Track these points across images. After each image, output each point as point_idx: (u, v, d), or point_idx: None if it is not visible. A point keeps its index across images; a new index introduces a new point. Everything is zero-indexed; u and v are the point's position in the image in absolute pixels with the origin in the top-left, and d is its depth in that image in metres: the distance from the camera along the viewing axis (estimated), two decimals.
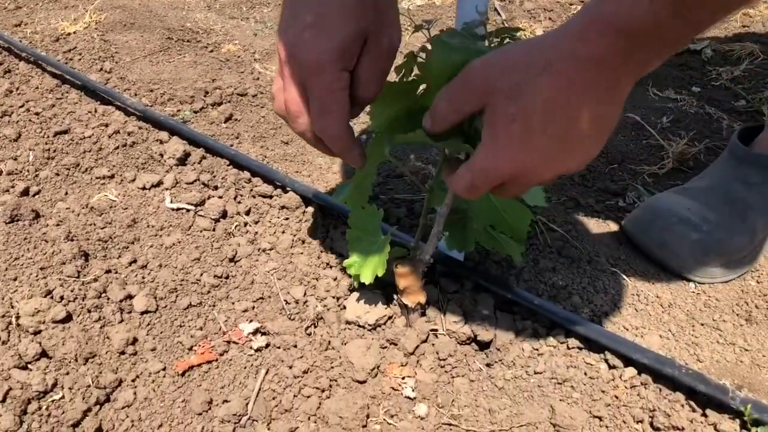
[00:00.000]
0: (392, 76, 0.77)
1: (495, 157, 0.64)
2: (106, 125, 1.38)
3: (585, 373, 0.85)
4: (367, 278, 0.85)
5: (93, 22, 1.93)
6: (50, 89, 1.55)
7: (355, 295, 0.95)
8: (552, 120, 0.60)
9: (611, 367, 0.86)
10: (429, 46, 0.82)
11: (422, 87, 0.83)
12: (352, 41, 0.71)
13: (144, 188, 1.19)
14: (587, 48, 0.57)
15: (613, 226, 1.16)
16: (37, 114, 1.43)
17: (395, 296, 0.93)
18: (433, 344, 0.90)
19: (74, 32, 1.87)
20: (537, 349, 0.89)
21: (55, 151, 1.32)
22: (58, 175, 1.26)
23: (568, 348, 0.88)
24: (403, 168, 0.93)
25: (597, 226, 1.16)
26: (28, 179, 1.24)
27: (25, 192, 1.20)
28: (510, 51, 0.63)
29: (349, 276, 0.92)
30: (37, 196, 1.21)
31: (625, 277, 1.03)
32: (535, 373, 0.86)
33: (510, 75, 0.61)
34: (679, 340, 0.93)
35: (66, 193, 1.22)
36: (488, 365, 0.88)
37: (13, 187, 1.19)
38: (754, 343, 0.95)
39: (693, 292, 1.04)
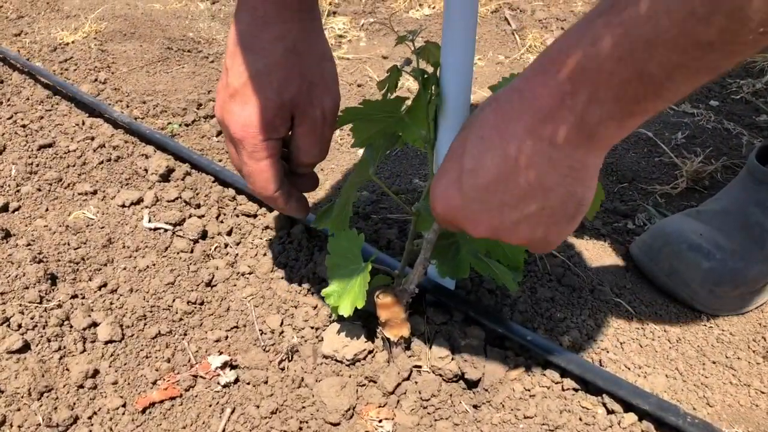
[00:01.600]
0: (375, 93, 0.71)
1: (432, 190, 0.61)
2: (92, 138, 1.33)
3: (580, 419, 0.77)
4: (345, 311, 0.78)
5: (93, 32, 1.89)
6: (41, 100, 1.50)
7: (335, 326, 0.88)
8: (483, 159, 0.53)
9: (609, 412, 0.78)
10: (413, 58, 0.75)
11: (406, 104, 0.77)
12: (275, 114, 0.72)
13: (123, 206, 1.13)
14: (525, 81, 0.51)
15: (620, 252, 1.08)
16: (23, 126, 1.39)
17: (378, 328, 0.85)
18: (416, 382, 0.83)
19: (72, 42, 1.83)
20: (529, 390, 0.81)
21: (38, 165, 1.27)
22: (39, 190, 1.21)
23: (563, 389, 0.81)
24: (387, 189, 0.86)
25: (602, 251, 1.08)
26: (9, 194, 1.19)
27: (5, 208, 1.15)
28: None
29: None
30: (16, 213, 1.15)
31: (629, 308, 0.95)
32: (525, 417, 0.78)
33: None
34: (687, 381, 0.85)
35: (46, 210, 1.17)
36: (475, 407, 0.81)
37: None
38: None
39: (704, 325, 0.95)
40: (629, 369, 0.84)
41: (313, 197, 1.22)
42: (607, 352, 0.86)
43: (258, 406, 0.80)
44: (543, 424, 0.77)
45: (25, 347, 0.85)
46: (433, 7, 2.16)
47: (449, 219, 0.60)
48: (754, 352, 0.91)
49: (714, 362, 0.89)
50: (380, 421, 0.78)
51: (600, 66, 0.45)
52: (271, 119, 0.73)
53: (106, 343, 0.88)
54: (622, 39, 0.43)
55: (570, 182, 0.52)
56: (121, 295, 0.96)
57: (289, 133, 0.80)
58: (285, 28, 0.72)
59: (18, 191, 1.20)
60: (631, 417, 0.76)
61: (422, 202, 0.79)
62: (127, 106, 1.50)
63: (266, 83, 0.71)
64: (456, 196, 0.57)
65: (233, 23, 0.74)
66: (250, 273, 1.01)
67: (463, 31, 0.68)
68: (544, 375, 0.82)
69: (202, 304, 0.96)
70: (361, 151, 1.36)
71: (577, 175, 0.52)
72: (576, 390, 0.80)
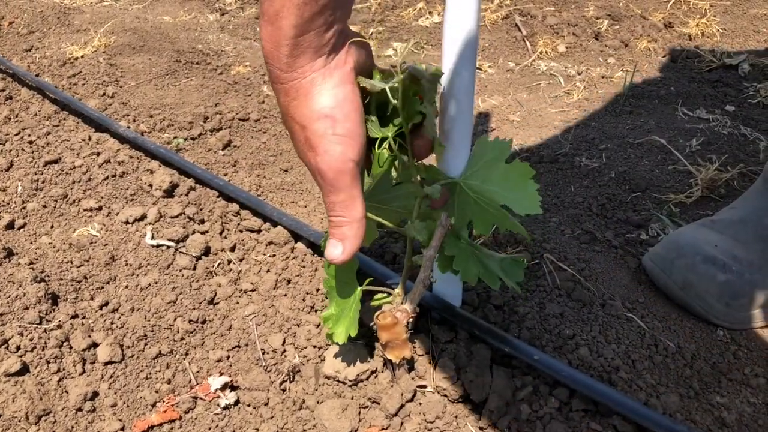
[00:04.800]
0: None
1: None
2: (98, 154, 1.33)
3: None
4: (340, 338, 0.76)
5: (102, 46, 1.90)
6: (48, 116, 1.50)
7: (337, 345, 0.85)
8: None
9: None
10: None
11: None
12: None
13: (127, 222, 1.12)
14: None
15: (632, 264, 1.05)
16: (30, 143, 1.39)
17: (380, 348, 0.83)
18: (420, 403, 0.80)
19: (82, 56, 1.83)
20: (536, 412, 0.78)
21: (44, 181, 1.26)
22: (45, 207, 1.20)
23: (572, 411, 0.78)
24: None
25: (614, 263, 1.05)
26: (15, 211, 1.19)
27: (10, 225, 1.14)
28: None
29: None
30: (21, 230, 1.15)
31: (642, 323, 0.92)
32: None
33: None
34: (702, 400, 0.82)
35: (52, 227, 1.16)
36: (481, 429, 0.78)
37: None
38: None
39: (721, 341, 0.92)
40: (641, 389, 0.81)
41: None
42: (618, 370, 0.83)
43: (257, 430, 0.78)
44: None
45: (24, 369, 0.83)
46: (443, 15, 2.14)
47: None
48: None
49: (730, 380, 0.85)
50: None
51: None
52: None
53: (106, 364, 0.87)
54: None
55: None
56: (122, 315, 0.94)
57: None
58: (277, 89, 0.66)
59: (24, 208, 1.20)
60: None
61: (416, 216, 0.77)
62: (134, 120, 1.50)
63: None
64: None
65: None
66: (252, 290, 0.99)
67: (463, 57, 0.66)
68: (552, 396, 0.79)
69: (203, 322, 0.94)
70: None
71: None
72: (585, 411, 0.78)
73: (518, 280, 0.78)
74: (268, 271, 1.02)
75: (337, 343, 0.78)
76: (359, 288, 0.78)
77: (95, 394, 0.83)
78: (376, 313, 0.79)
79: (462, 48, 0.70)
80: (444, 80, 0.72)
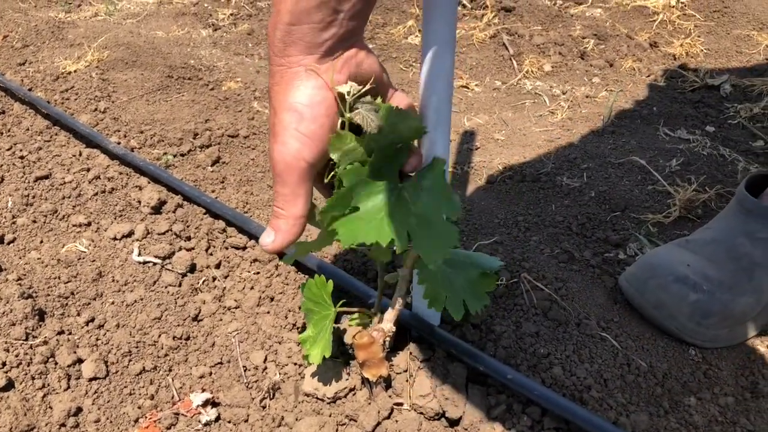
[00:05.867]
0: None
1: None
2: (88, 170, 1.35)
3: None
4: (315, 360, 0.78)
5: (95, 61, 1.92)
6: (40, 131, 1.53)
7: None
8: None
9: None
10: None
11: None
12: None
13: (115, 239, 1.14)
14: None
15: (609, 283, 1.07)
16: (21, 158, 1.41)
17: (357, 367, 0.85)
18: (396, 421, 0.82)
19: (75, 71, 1.85)
20: (509, 430, 0.80)
21: (34, 197, 1.28)
22: (34, 222, 1.22)
23: (543, 429, 0.80)
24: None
25: (591, 283, 1.07)
26: (4, 226, 1.21)
27: (0, 240, 1.16)
28: None
29: None
30: (11, 245, 1.17)
31: (615, 342, 0.94)
32: None
33: None
34: (671, 419, 0.84)
35: (41, 242, 1.18)
36: None
37: None
38: (759, 422, 0.85)
39: (693, 360, 0.94)
40: (611, 407, 0.83)
41: None
42: (590, 389, 0.85)
43: None
44: None
45: (9, 385, 0.85)
46: None
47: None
48: (742, 387, 0.90)
49: (700, 399, 0.88)
50: None
51: None
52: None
53: (91, 380, 0.88)
54: None
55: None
56: (107, 331, 0.96)
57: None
58: (270, 69, 0.69)
59: (14, 223, 1.22)
60: None
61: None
62: (125, 136, 1.52)
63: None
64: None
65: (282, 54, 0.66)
66: (236, 307, 1.01)
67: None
68: (525, 414, 0.82)
69: (187, 339, 0.96)
70: None
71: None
72: (557, 430, 0.80)
73: (484, 303, 0.81)
74: (252, 288, 1.04)
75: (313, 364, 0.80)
76: (333, 309, 0.80)
77: (79, 409, 0.85)
78: (353, 333, 0.81)
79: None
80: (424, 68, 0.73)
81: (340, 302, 0.80)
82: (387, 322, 0.81)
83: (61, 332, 0.95)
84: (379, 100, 0.71)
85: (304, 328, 0.97)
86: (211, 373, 0.91)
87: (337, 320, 0.89)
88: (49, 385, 0.87)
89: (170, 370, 0.92)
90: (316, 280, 0.80)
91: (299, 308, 1.00)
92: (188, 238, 1.15)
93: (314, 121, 0.65)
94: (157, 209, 1.21)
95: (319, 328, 0.79)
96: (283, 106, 0.65)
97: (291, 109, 0.65)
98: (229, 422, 0.83)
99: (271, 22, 0.64)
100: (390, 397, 0.84)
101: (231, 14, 2.43)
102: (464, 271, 0.84)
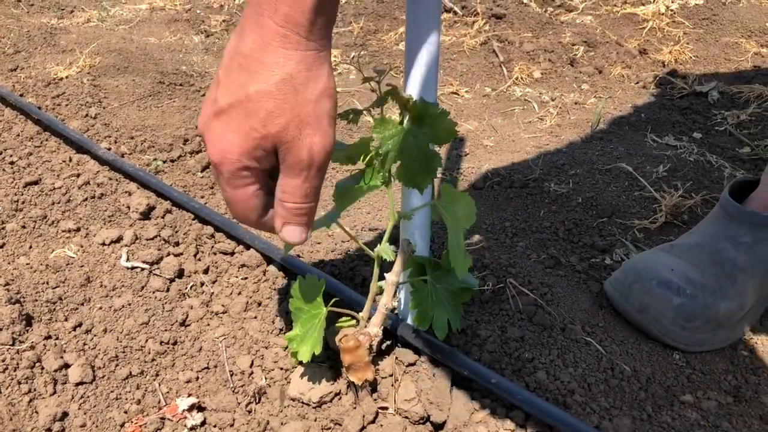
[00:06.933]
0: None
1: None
2: (78, 175, 1.35)
3: None
4: (304, 357, 0.79)
5: (87, 66, 1.93)
6: (30, 137, 1.53)
7: (302, 368, 0.88)
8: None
9: None
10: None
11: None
12: (255, 146, 0.66)
13: (103, 244, 1.15)
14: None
15: (594, 288, 1.08)
16: (11, 163, 1.41)
17: (343, 371, 0.86)
18: (381, 425, 0.83)
19: (66, 77, 1.86)
20: None
21: (23, 202, 1.28)
22: (24, 227, 1.22)
23: None
24: (348, 232, 0.87)
25: (577, 288, 1.08)
26: None
27: None
28: None
29: None
30: (0, 251, 1.17)
31: (600, 347, 0.95)
32: None
33: None
34: (654, 423, 0.85)
35: (30, 247, 1.18)
36: None
37: None
38: (741, 426, 0.86)
39: (677, 364, 0.95)
40: (594, 412, 0.84)
41: None
42: (573, 393, 0.86)
43: None
44: None
45: None
46: None
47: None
48: (725, 392, 0.91)
49: (683, 403, 0.88)
50: None
51: None
52: (250, 149, 0.66)
53: (77, 384, 0.89)
54: None
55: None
56: (95, 336, 0.97)
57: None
58: (286, 54, 0.64)
59: (3, 228, 1.22)
60: None
61: (383, 245, 0.80)
62: (115, 142, 1.52)
63: (253, 110, 0.65)
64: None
65: (237, 34, 0.67)
66: (223, 312, 1.02)
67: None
68: (509, 418, 0.82)
69: (175, 344, 0.96)
70: None
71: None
72: None
73: (461, 316, 0.86)
74: (239, 293, 1.05)
75: (302, 362, 0.81)
76: (325, 309, 0.81)
77: (65, 414, 0.85)
78: (339, 336, 0.82)
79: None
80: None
81: (332, 301, 0.81)
82: (373, 326, 0.82)
83: (48, 337, 0.95)
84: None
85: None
86: (197, 378, 0.91)
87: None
88: (35, 389, 0.87)
89: (157, 375, 0.92)
90: (307, 279, 0.81)
91: (287, 313, 1.00)
92: (177, 244, 1.15)
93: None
94: (146, 215, 1.21)
95: (307, 327, 0.80)
96: (326, 93, 0.67)
97: (330, 95, 0.67)
98: (215, 426, 0.84)
99: (293, 6, 0.63)
100: (375, 401, 0.85)
101: (223, 20, 2.44)
102: (449, 284, 0.86)
